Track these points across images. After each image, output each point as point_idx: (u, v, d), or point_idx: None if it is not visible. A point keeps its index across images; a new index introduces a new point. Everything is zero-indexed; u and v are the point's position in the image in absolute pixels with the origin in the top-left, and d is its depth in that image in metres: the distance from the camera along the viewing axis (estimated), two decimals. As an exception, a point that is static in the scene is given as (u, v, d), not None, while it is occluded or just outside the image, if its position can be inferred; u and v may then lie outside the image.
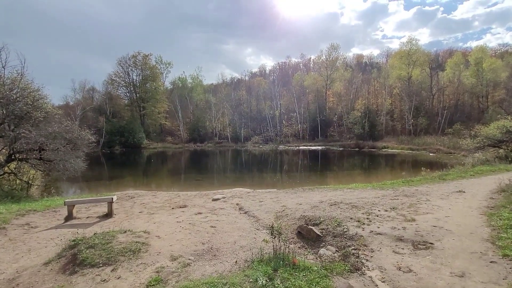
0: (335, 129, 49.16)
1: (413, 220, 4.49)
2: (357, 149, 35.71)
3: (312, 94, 53.52)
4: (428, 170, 11.93)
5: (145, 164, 28.84)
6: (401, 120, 48.27)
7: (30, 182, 9.52)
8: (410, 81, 47.36)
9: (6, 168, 9.49)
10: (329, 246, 3.85)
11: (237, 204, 7.94)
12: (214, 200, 8.72)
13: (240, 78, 79.73)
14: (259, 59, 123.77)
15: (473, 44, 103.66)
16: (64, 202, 6.45)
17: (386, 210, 5.14)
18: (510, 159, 13.93)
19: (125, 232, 4.07)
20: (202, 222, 5.37)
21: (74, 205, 6.63)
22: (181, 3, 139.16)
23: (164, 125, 58.84)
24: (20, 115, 9.63)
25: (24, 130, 9.21)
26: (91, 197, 6.97)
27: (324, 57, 54.62)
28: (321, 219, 4.72)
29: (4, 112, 8.94)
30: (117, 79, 55.86)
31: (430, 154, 25.76)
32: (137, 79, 56.82)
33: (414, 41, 48.44)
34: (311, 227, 4.39)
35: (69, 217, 6.51)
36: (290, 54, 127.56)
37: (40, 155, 9.87)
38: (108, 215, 6.74)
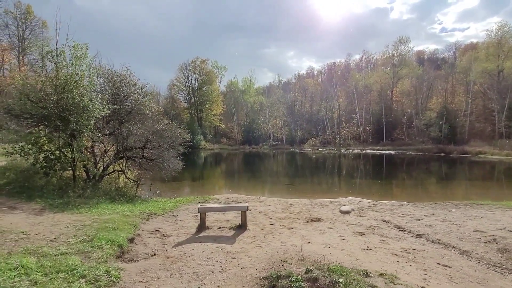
0: (403, 131, 43.98)
1: None
2: (442, 154, 30.84)
3: (374, 94, 48.98)
4: None
5: (213, 165, 28.94)
6: (486, 121, 40.88)
7: (138, 181, 9.23)
8: (501, 75, 39.95)
9: (116, 166, 9.34)
10: None
11: (385, 221, 6.25)
12: (343, 212, 7.17)
13: (287, 80, 77.77)
14: (302, 61, 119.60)
15: None
16: (198, 208, 5.53)
17: None
18: None
19: (366, 274, 2.69)
20: (409, 253, 3.79)
21: (205, 213, 5.70)
22: (223, 12, 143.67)
23: (219, 127, 60.24)
24: (128, 111, 9.41)
25: (135, 127, 8.93)
26: (223, 205, 6.03)
27: (391, 52, 49.59)
28: None
29: (116, 108, 8.72)
30: (178, 84, 59.09)
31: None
32: (195, 83, 59.26)
33: (506, 27, 40.84)
34: None
35: (202, 226, 5.58)
36: (335, 54, 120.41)
37: (143, 153, 9.54)
38: (242, 226, 5.65)
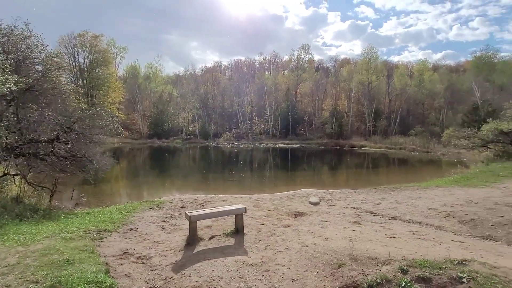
0: (305, 127, 50.54)
1: None
2: (337, 147, 37.22)
3: (282, 93, 53.97)
4: (462, 167, 12.75)
5: (128, 162, 24.44)
6: (360, 121, 52.57)
7: (53, 188, 6.47)
8: (370, 85, 51.91)
9: (8, 168, 6.30)
10: None
11: (355, 208, 6.81)
12: (313, 204, 7.38)
13: (193, 72, 74.45)
14: (206, 54, 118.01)
15: (395, 58, 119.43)
16: (190, 217, 4.36)
17: None
18: (504, 157, 15.89)
19: (461, 263, 2.60)
20: (424, 235, 4.13)
21: (196, 221, 4.59)
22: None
23: (118, 117, 51.69)
24: (27, 87, 6.53)
25: (46, 111, 6.24)
26: (217, 209, 4.94)
27: (296, 57, 55.90)
28: None
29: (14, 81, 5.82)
30: (59, 61, 46.54)
31: (412, 152, 28.42)
32: (85, 62, 48.74)
33: (373, 49, 53.31)
34: None
35: (194, 238, 4.46)
36: (238, 51, 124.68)
37: (52, 147, 6.91)
38: (239, 231, 4.87)
